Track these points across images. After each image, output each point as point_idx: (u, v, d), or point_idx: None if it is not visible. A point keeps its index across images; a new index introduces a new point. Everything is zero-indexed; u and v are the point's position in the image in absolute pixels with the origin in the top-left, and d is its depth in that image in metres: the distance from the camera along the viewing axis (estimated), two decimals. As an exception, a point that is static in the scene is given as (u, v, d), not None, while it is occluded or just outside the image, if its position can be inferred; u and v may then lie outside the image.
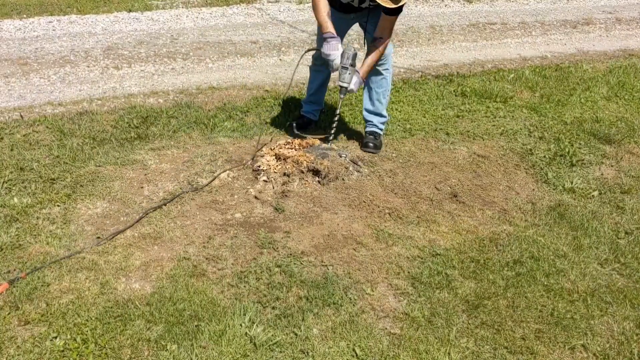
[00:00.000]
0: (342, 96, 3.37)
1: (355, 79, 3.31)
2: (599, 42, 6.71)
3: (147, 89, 4.55)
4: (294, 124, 3.81)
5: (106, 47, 5.35)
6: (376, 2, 3.06)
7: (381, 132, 3.75)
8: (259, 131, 3.79)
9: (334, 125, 3.45)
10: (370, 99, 3.68)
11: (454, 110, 4.43)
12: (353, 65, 3.24)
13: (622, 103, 4.81)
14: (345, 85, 3.29)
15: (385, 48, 3.37)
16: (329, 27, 3.21)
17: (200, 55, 5.33)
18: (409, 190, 3.27)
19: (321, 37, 3.27)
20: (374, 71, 3.56)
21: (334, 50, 3.19)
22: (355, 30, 3.85)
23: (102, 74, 4.79)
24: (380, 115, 3.72)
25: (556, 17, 7.58)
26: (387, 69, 3.61)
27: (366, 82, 3.66)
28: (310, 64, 3.83)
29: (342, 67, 3.24)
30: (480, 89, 4.81)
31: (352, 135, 3.89)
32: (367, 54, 3.37)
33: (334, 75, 3.46)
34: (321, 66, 3.68)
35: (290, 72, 5.04)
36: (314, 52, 3.63)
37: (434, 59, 5.74)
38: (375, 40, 3.33)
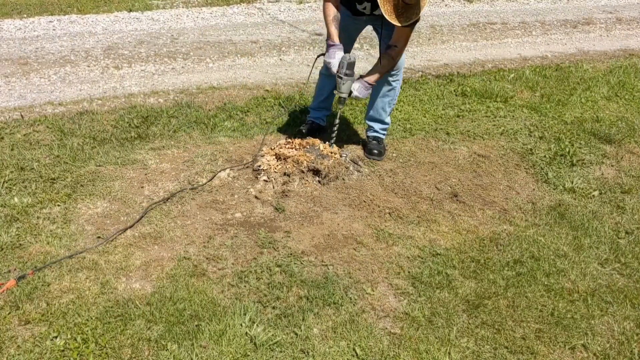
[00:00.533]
0: (340, 106, 3.33)
1: (357, 86, 3.23)
2: (599, 42, 6.71)
3: (147, 88, 4.55)
4: (303, 131, 3.72)
5: (106, 46, 5.36)
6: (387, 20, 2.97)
7: (384, 137, 3.72)
8: (259, 130, 3.80)
9: (335, 130, 3.42)
10: (374, 105, 3.62)
11: (454, 110, 4.43)
12: (349, 74, 3.17)
13: (622, 103, 4.81)
14: (342, 95, 3.24)
15: (399, 56, 3.29)
16: (332, 35, 3.17)
17: (201, 55, 5.33)
18: (409, 190, 3.27)
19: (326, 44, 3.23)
20: (384, 81, 3.50)
21: (332, 59, 3.17)
22: (363, 35, 3.81)
23: (103, 73, 4.79)
24: (382, 122, 3.66)
25: (556, 16, 7.58)
26: (397, 80, 3.54)
27: (373, 89, 3.58)
28: (322, 69, 3.70)
29: (337, 76, 3.18)
30: (481, 89, 4.81)
31: (353, 135, 3.89)
32: (379, 60, 3.28)
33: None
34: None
35: (291, 72, 5.05)
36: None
37: (434, 58, 5.74)
38: (389, 48, 3.24)
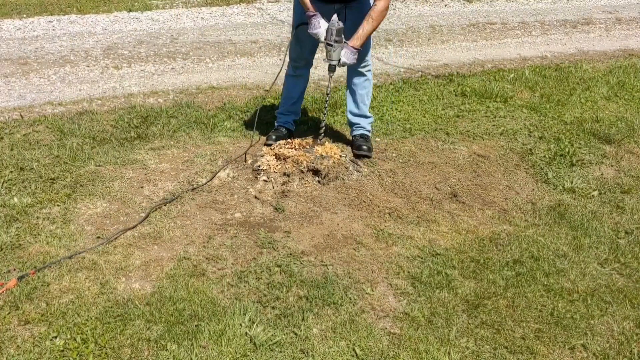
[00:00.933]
0: (331, 74, 3.27)
1: (344, 52, 3.18)
2: (599, 42, 6.71)
3: (147, 88, 4.55)
4: (273, 137, 3.61)
5: (106, 46, 5.36)
6: None
7: (369, 134, 3.70)
8: (255, 132, 3.80)
9: (325, 108, 3.39)
10: (355, 101, 3.62)
11: (454, 110, 4.43)
12: (338, 40, 3.14)
13: (622, 103, 4.81)
14: (333, 63, 3.19)
15: (380, 16, 3.18)
16: (309, 6, 3.16)
17: (200, 55, 5.33)
18: (409, 190, 3.27)
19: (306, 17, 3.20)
20: (356, 73, 3.51)
21: (317, 29, 3.15)
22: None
23: (102, 73, 4.79)
24: (366, 117, 3.67)
25: (556, 17, 7.58)
26: (369, 70, 3.56)
27: (348, 85, 3.61)
28: (288, 72, 3.65)
29: (327, 44, 3.15)
30: (480, 89, 4.81)
31: (346, 136, 3.88)
32: (362, 25, 3.19)
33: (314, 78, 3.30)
34: (302, 69, 3.60)
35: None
36: (294, 48, 3.51)
37: (434, 58, 5.74)
38: (369, 9, 3.20)
